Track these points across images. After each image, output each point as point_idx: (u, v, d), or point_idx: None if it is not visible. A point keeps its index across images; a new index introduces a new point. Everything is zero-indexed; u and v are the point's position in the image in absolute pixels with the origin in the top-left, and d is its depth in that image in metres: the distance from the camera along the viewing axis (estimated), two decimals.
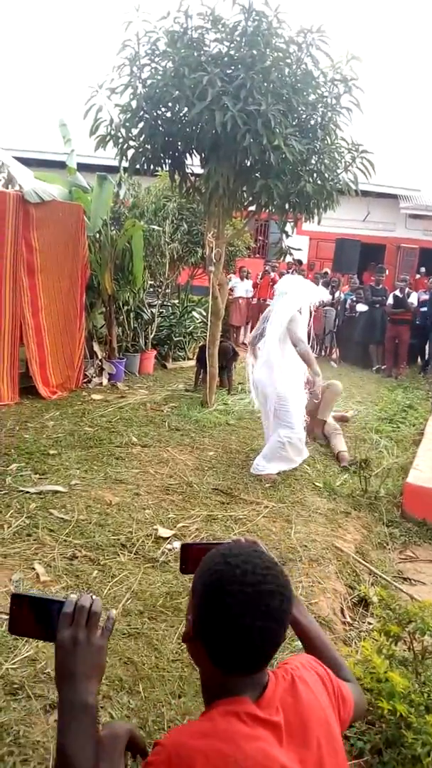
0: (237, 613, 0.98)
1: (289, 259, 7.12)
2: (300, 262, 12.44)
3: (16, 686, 2.16)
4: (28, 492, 3.78)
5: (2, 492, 3.74)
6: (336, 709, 1.11)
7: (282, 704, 1.02)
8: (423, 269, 13.56)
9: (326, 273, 12.74)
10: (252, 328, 11.99)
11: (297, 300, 4.70)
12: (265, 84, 5.28)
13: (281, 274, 12.02)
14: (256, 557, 1.04)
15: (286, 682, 1.06)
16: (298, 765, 0.96)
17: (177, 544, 3.38)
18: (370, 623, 2.98)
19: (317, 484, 4.67)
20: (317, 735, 1.01)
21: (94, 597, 1.10)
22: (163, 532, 3.49)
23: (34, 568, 2.95)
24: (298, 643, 2.57)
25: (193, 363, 9.01)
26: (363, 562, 3.62)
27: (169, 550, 3.32)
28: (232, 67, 5.40)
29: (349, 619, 3.04)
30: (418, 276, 14.06)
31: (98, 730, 1.03)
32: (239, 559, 1.03)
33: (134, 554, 3.23)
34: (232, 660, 1.01)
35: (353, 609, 3.18)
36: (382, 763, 1.96)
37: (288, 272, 11.94)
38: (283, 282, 5.04)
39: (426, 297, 11.16)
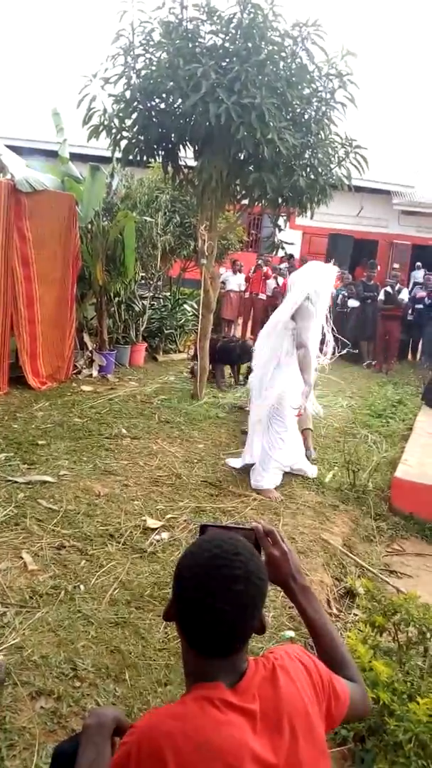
0: (200, 595, 1.00)
1: (281, 253, 7.13)
2: (291, 256, 12.44)
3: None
4: (16, 482, 3.77)
5: None
6: (323, 702, 1.11)
7: (260, 692, 1.02)
8: (419, 264, 13.58)
9: None
10: (244, 322, 12.00)
11: (305, 287, 4.28)
12: (260, 77, 5.26)
13: (274, 269, 12.03)
14: (230, 544, 1.06)
15: (267, 670, 1.07)
16: (271, 753, 0.97)
17: (165, 535, 3.40)
18: (356, 614, 3.02)
19: (306, 477, 4.69)
20: (294, 725, 1.01)
21: None
22: (152, 523, 3.50)
23: (21, 557, 2.95)
24: (285, 633, 2.61)
25: (184, 356, 9.03)
26: (350, 554, 3.65)
27: (158, 540, 3.33)
28: (227, 60, 5.38)
29: (335, 611, 3.07)
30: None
31: None
32: (212, 544, 1.06)
33: (122, 545, 3.23)
34: (199, 640, 1.03)
35: (339, 601, 3.21)
36: (365, 750, 1.98)
37: (280, 267, 11.96)
38: (296, 272, 4.70)
39: (423, 294, 11.21)
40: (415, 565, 3.85)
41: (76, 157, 8.17)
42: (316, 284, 4.35)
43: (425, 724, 1.85)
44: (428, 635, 2.28)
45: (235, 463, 4.64)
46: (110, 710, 1.14)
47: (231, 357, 7.40)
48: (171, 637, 2.51)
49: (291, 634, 2.65)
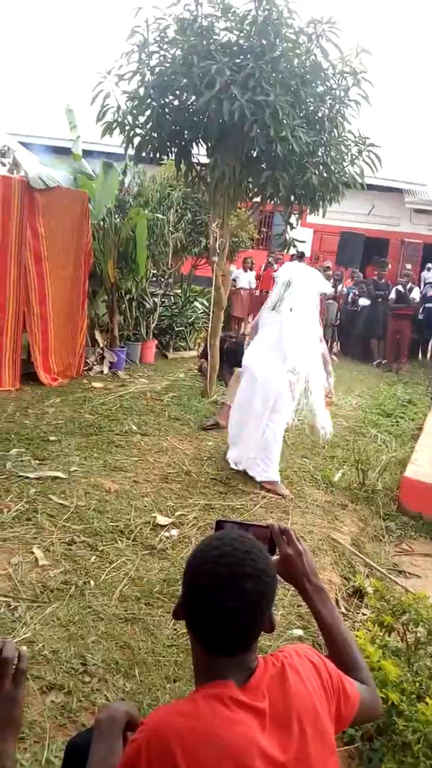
0: (209, 592, 1.01)
1: (292, 251, 7.11)
2: (302, 254, 12.39)
3: None
4: (27, 477, 3.80)
5: (2, 477, 3.76)
6: (332, 702, 1.11)
7: (269, 690, 1.03)
8: (430, 265, 13.50)
9: (328, 267, 12.70)
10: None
11: (312, 290, 4.41)
12: (274, 74, 5.25)
13: None
14: (239, 542, 1.06)
15: (276, 668, 1.07)
16: (279, 751, 0.97)
17: (175, 532, 3.41)
18: (364, 614, 3.02)
19: (315, 476, 4.69)
20: (303, 723, 1.02)
21: (4, 640, 0.95)
22: (162, 519, 3.52)
23: (33, 552, 2.98)
24: (294, 631, 2.62)
25: (194, 353, 9.03)
26: (359, 554, 3.65)
27: (167, 537, 3.35)
28: (241, 57, 5.37)
29: (343, 610, 3.07)
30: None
31: None
32: (221, 542, 1.07)
33: (132, 541, 3.25)
34: (208, 638, 1.03)
35: (348, 600, 3.22)
36: (373, 749, 1.99)
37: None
38: (285, 270, 4.72)
39: None
40: (424, 565, 3.84)
41: (89, 154, 8.19)
42: (307, 283, 4.43)
43: None
44: None
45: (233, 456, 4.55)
46: (122, 705, 1.16)
47: (237, 359, 7.37)
48: (180, 634, 2.53)
49: (299, 632, 2.66)
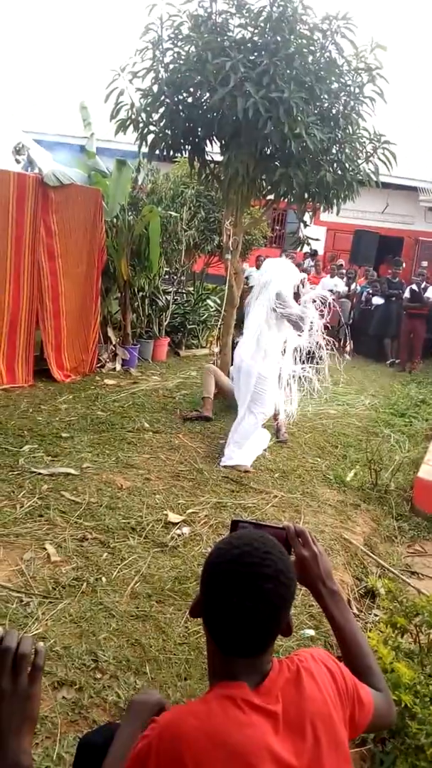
0: (228, 592, 0.99)
1: (306, 249, 7.07)
2: (315, 252, 12.34)
3: None
4: (40, 473, 3.81)
5: (15, 473, 3.78)
6: (347, 708, 1.09)
7: (283, 694, 1.02)
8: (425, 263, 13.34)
9: (341, 264, 12.62)
10: None
11: (280, 283, 4.70)
12: (288, 71, 5.22)
13: (298, 265, 11.95)
14: (260, 542, 1.05)
15: (291, 672, 1.06)
16: (293, 756, 0.96)
17: (186, 530, 3.41)
18: (376, 615, 3.00)
19: (327, 476, 4.67)
20: (317, 729, 1.00)
21: (20, 635, 0.95)
22: (173, 517, 3.52)
23: (45, 548, 2.99)
24: (305, 632, 2.60)
25: (206, 351, 9.02)
26: (371, 554, 3.62)
27: (179, 535, 3.34)
28: (256, 53, 5.35)
29: (355, 610, 3.05)
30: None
31: None
32: (241, 542, 1.05)
33: (144, 538, 3.25)
34: (225, 639, 1.02)
35: (360, 600, 3.19)
36: (385, 752, 1.97)
37: (303, 263, 11.88)
38: (265, 265, 5.11)
39: None
40: None
41: (102, 151, 8.20)
42: (281, 276, 4.78)
43: None
44: None
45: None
46: (156, 694, 1.18)
47: None
48: (191, 632, 2.52)
49: (311, 632, 2.64)
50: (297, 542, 1.27)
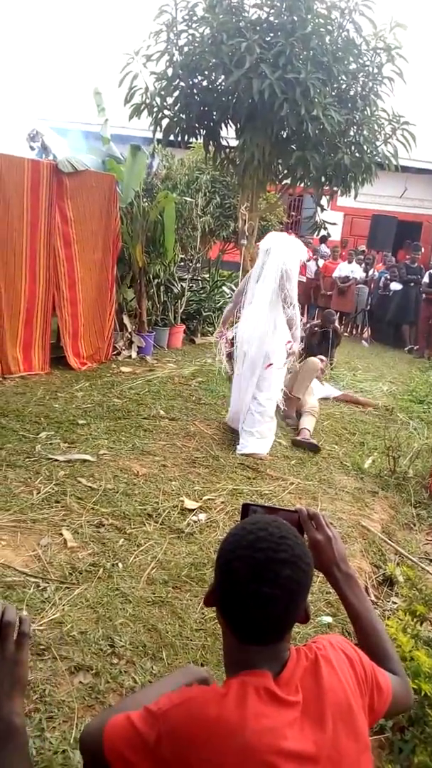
0: (244, 579, 0.97)
1: (323, 233, 6.99)
2: (325, 237, 12.17)
3: (42, 647, 2.20)
4: (56, 460, 3.82)
5: (32, 459, 3.79)
6: (366, 695, 1.07)
7: (302, 683, 1.00)
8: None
9: (363, 251, 12.44)
10: None
11: (284, 256, 4.50)
12: (305, 51, 5.15)
13: (315, 251, 11.83)
14: (275, 527, 1.02)
15: (309, 661, 1.04)
16: (313, 746, 0.94)
17: (202, 517, 3.40)
18: (395, 602, 2.96)
19: (345, 463, 4.63)
20: (337, 719, 0.98)
21: (4, 604, 1.02)
22: (189, 504, 3.51)
23: (62, 534, 2.99)
24: (323, 618, 2.58)
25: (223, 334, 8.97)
26: (389, 541, 3.59)
27: (195, 521, 3.33)
28: (272, 34, 5.27)
29: (373, 598, 3.02)
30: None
31: (29, 755, 0.99)
32: (256, 527, 1.02)
33: (160, 524, 3.25)
34: (242, 627, 1.00)
35: (378, 588, 3.16)
36: (404, 740, 1.95)
37: (319, 248, 11.74)
38: (266, 239, 4.82)
39: None
40: None
41: (116, 138, 8.15)
42: (286, 250, 4.54)
43: None
44: None
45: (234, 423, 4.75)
46: (207, 672, 1.22)
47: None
48: (207, 618, 2.51)
49: (329, 619, 2.62)
50: (310, 525, 1.24)
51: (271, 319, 4.52)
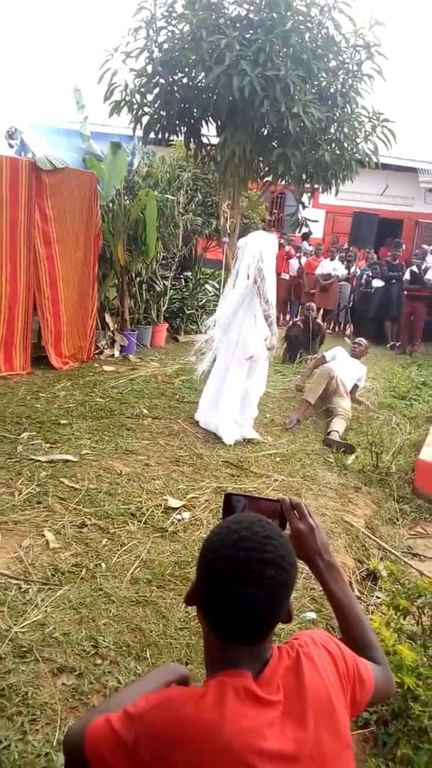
0: (226, 578, 0.95)
1: (304, 230, 7.00)
2: (307, 235, 12.19)
3: (24, 649, 2.18)
4: (38, 460, 3.79)
5: (13, 460, 3.76)
6: (348, 690, 1.07)
7: (283, 682, 0.99)
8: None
9: (347, 249, 12.48)
10: None
11: (257, 253, 4.62)
12: (285, 48, 5.13)
13: (296, 248, 11.85)
14: (260, 526, 1.01)
15: (291, 659, 1.03)
16: (293, 745, 0.93)
17: (186, 515, 3.39)
18: (378, 597, 2.98)
19: (328, 459, 4.65)
20: (317, 716, 0.98)
21: None
22: (173, 502, 3.50)
23: (44, 535, 2.97)
24: (307, 615, 2.59)
25: (206, 336, 8.95)
26: (372, 537, 3.61)
27: (179, 520, 3.32)
28: (251, 31, 5.25)
29: (357, 593, 3.03)
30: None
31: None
32: (240, 525, 1.01)
33: (144, 524, 3.23)
34: (224, 627, 0.98)
35: (362, 583, 3.18)
36: (388, 734, 1.96)
37: (301, 245, 11.77)
38: (244, 237, 5.01)
39: None
40: None
41: (97, 135, 8.08)
42: (261, 247, 4.66)
43: None
44: None
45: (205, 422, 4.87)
46: (186, 670, 1.20)
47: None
48: (192, 617, 2.51)
49: (312, 615, 2.63)
50: (293, 515, 1.23)
51: (250, 314, 4.70)
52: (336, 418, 5.28)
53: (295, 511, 1.23)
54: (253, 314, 4.68)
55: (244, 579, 0.95)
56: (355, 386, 6.10)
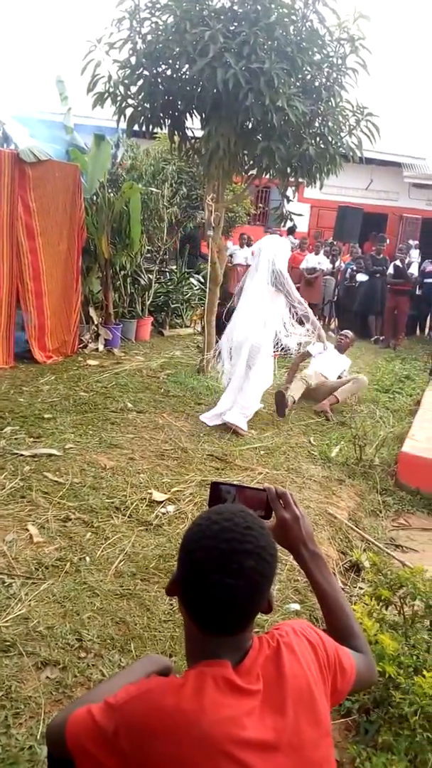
0: (206, 569, 0.96)
1: (289, 224, 7.01)
2: (292, 229, 12.19)
3: (8, 643, 2.17)
4: (22, 455, 3.77)
5: None
6: (328, 679, 1.08)
7: (263, 672, 0.99)
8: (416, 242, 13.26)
9: (332, 243, 12.51)
10: None
11: (272, 256, 4.86)
12: (269, 41, 5.10)
13: None
14: (241, 517, 1.01)
15: (271, 649, 1.03)
16: (273, 734, 0.94)
17: (171, 508, 3.39)
18: (361, 588, 3.01)
19: (312, 452, 4.67)
20: (297, 705, 0.99)
21: None
22: (158, 496, 3.50)
23: (27, 530, 2.95)
24: (290, 606, 2.61)
25: (190, 330, 8.96)
26: (356, 528, 3.64)
27: (163, 513, 3.33)
28: (236, 23, 5.22)
29: (341, 584, 3.06)
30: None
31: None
32: (222, 517, 1.01)
33: (128, 517, 3.23)
34: (204, 617, 0.99)
35: (345, 574, 3.21)
36: (369, 721, 1.99)
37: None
38: (259, 241, 5.29)
39: None
40: (421, 539, 3.84)
41: (80, 128, 8.01)
42: (275, 252, 4.91)
43: (431, 697, 1.84)
44: None
45: (211, 420, 4.91)
46: (169, 661, 1.22)
47: None
48: (176, 609, 2.51)
49: (296, 606, 2.65)
50: (278, 504, 1.24)
51: (262, 316, 4.87)
52: (298, 383, 5.71)
53: (281, 501, 1.24)
54: (264, 317, 4.87)
55: (224, 570, 0.95)
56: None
